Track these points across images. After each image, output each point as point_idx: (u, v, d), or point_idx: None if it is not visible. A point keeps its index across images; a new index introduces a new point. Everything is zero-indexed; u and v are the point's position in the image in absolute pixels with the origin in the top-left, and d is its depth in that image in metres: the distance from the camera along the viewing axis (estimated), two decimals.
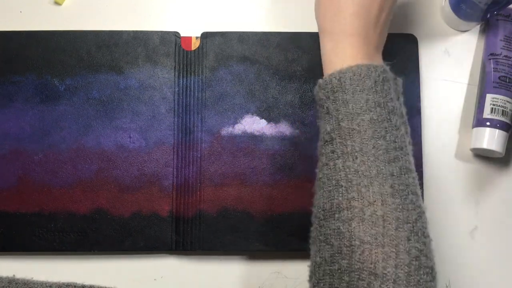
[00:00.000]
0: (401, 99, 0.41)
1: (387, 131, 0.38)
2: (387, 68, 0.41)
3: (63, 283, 0.46)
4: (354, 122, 0.38)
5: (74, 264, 0.50)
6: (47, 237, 0.49)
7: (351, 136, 0.38)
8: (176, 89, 0.51)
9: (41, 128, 0.50)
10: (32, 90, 0.51)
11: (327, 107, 0.39)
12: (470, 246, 0.51)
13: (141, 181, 0.50)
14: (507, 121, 0.50)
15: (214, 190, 0.50)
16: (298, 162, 0.50)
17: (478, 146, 0.50)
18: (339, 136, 0.38)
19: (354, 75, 0.39)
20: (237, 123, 0.51)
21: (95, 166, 0.50)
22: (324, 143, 0.39)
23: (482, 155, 0.52)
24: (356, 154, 0.37)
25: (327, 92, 0.40)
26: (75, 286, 0.46)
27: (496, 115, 0.50)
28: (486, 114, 0.50)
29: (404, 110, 0.41)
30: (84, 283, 0.47)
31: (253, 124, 0.51)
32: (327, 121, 0.39)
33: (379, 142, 0.37)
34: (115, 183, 0.49)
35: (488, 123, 0.50)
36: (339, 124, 0.38)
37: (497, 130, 0.49)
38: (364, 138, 0.37)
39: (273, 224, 0.49)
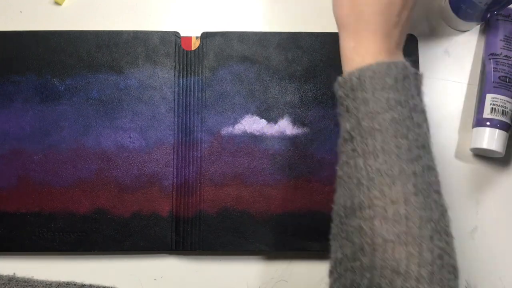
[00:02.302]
0: (422, 94, 0.40)
1: (409, 129, 0.37)
2: (408, 64, 0.39)
3: (63, 282, 0.47)
4: (375, 121, 0.37)
5: (74, 264, 0.50)
6: (47, 237, 0.49)
7: (372, 135, 0.37)
8: (176, 89, 0.51)
9: (41, 128, 0.50)
10: (32, 90, 0.51)
11: (346, 105, 0.39)
12: (470, 246, 0.51)
13: (141, 181, 0.50)
14: (507, 121, 0.50)
15: (214, 190, 0.50)
16: (298, 162, 0.50)
17: (478, 146, 0.50)
18: (360, 135, 0.37)
19: (374, 73, 0.38)
20: (237, 123, 0.51)
21: (95, 166, 0.50)
22: (344, 141, 0.38)
23: (482, 155, 0.52)
24: (377, 153, 0.36)
25: (347, 90, 0.39)
26: (75, 284, 0.46)
27: (496, 115, 0.50)
28: (486, 114, 0.50)
29: (424, 106, 0.39)
30: (84, 282, 0.47)
31: (253, 124, 0.51)
32: (346, 119, 0.39)
33: (401, 141, 0.37)
34: (115, 183, 0.49)
35: (488, 123, 0.50)
36: (360, 123, 0.37)
37: (497, 130, 0.49)
38: (386, 137, 0.37)
39: (273, 224, 0.49)
